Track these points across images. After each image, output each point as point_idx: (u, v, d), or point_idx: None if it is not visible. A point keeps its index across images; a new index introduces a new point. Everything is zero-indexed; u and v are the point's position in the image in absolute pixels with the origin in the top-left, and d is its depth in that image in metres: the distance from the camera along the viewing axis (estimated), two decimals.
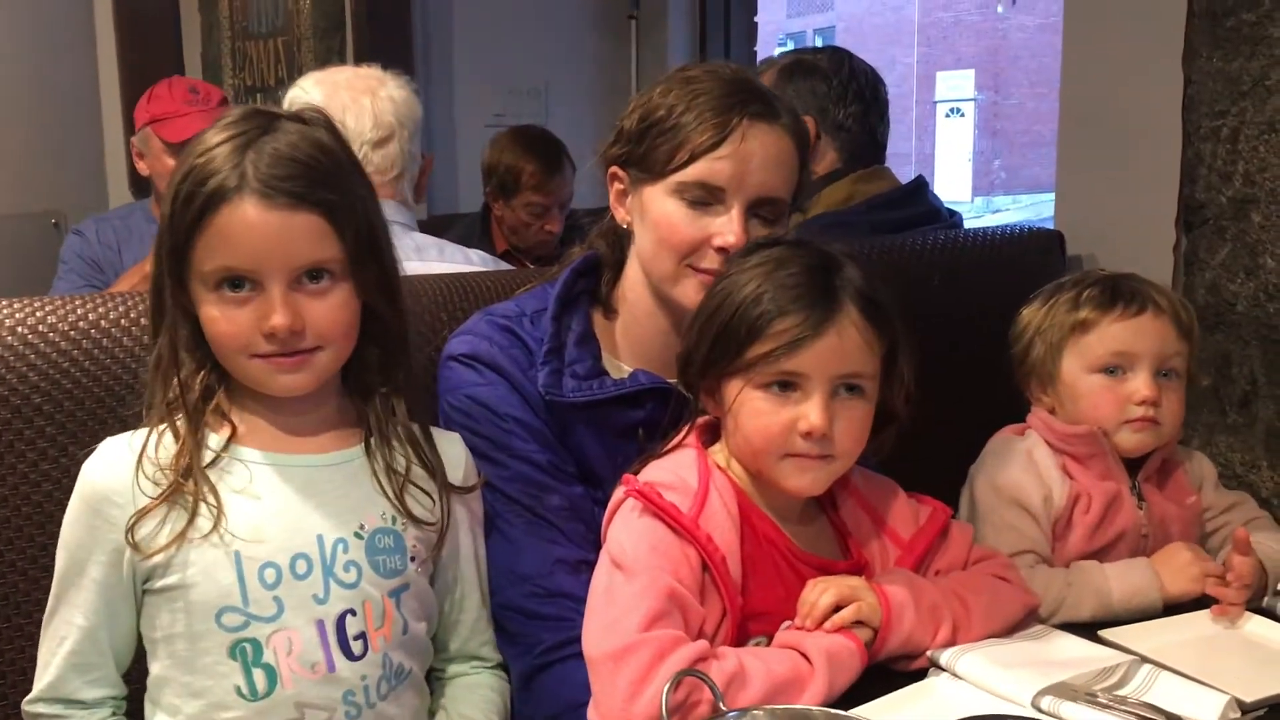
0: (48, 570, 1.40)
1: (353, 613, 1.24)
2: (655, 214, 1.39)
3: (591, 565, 1.32)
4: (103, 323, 1.44)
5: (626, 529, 1.26)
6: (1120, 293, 1.55)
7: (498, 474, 1.40)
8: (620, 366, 1.47)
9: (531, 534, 1.39)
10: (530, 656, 1.36)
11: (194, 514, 1.20)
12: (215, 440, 1.24)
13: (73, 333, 1.42)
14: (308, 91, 2.02)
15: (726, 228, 1.35)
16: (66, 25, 3.09)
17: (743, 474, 1.32)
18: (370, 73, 2.09)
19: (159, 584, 1.22)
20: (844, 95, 2.32)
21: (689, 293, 1.38)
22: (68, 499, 1.39)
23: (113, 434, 1.33)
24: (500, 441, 1.41)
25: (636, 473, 1.31)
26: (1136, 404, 1.52)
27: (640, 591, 1.19)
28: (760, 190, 1.37)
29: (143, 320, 1.45)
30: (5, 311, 1.41)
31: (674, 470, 1.30)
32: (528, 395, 1.42)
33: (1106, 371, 1.54)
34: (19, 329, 1.40)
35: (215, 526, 1.20)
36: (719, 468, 1.32)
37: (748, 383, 1.26)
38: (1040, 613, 1.41)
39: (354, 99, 2.00)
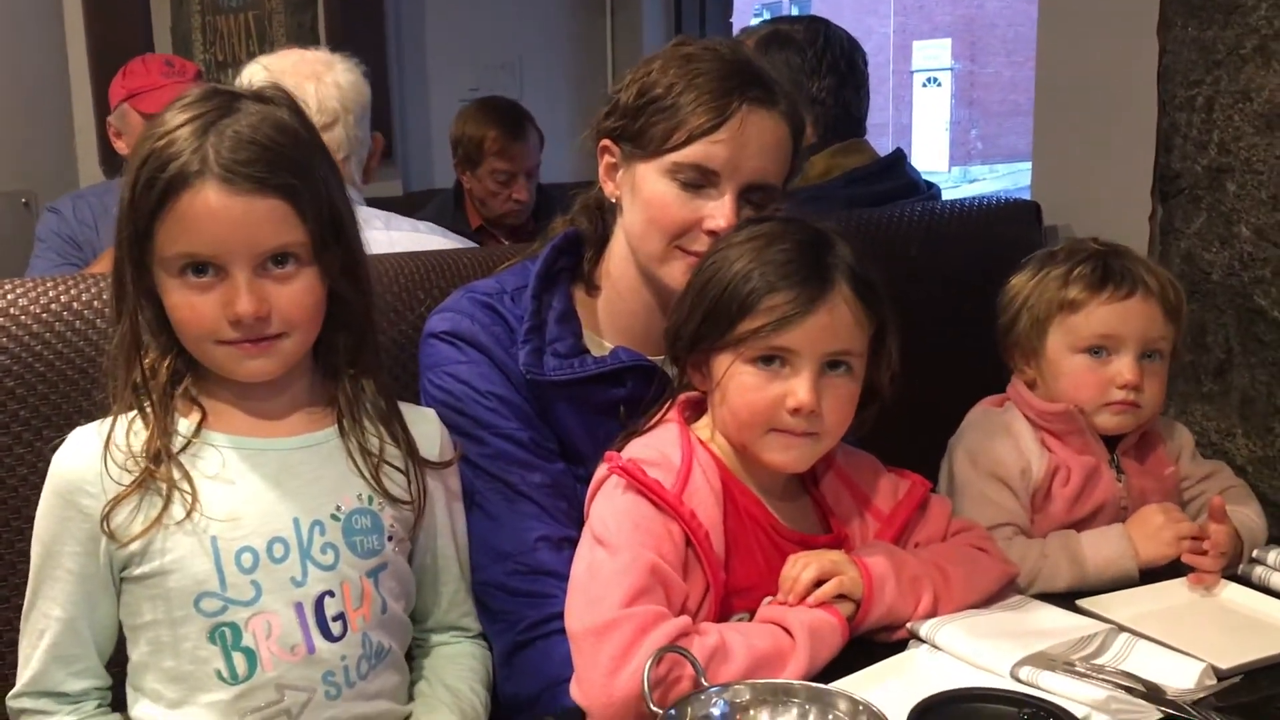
0: (24, 555, 1.38)
1: (331, 594, 1.24)
2: (647, 193, 1.38)
3: (573, 542, 1.32)
4: (75, 304, 1.42)
5: (610, 505, 1.26)
6: (1111, 273, 1.53)
7: (479, 451, 1.39)
8: (601, 343, 1.47)
9: (513, 511, 1.38)
10: (512, 633, 1.36)
11: (168, 500, 1.19)
12: (185, 425, 1.23)
13: (45, 315, 1.41)
14: (254, 77, 2.00)
15: (718, 211, 1.35)
16: (33, 3, 3.04)
17: (726, 449, 1.32)
18: (317, 56, 2.06)
19: (136, 571, 1.21)
20: (818, 68, 2.30)
21: (676, 274, 1.38)
22: (43, 482, 1.38)
23: (88, 418, 1.32)
24: (482, 419, 1.40)
25: (619, 449, 1.31)
26: (1118, 387, 1.53)
27: (623, 568, 1.19)
28: (754, 176, 1.36)
29: None
30: None
31: (657, 446, 1.30)
32: (509, 372, 1.41)
33: (1090, 352, 1.54)
34: None
35: (190, 512, 1.19)
36: (702, 443, 1.32)
37: (737, 357, 1.26)
38: (1018, 583, 1.42)
39: (297, 85, 1.94)
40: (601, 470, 1.30)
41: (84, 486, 1.20)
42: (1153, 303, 1.53)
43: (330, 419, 1.28)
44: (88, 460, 1.21)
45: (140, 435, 1.21)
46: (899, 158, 2.39)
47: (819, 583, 1.25)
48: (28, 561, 1.38)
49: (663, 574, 1.20)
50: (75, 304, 1.42)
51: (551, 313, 1.43)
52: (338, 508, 1.26)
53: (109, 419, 1.22)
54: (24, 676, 1.24)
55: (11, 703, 1.24)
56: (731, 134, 1.34)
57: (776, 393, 1.25)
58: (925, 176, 2.43)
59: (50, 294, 1.42)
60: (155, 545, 1.19)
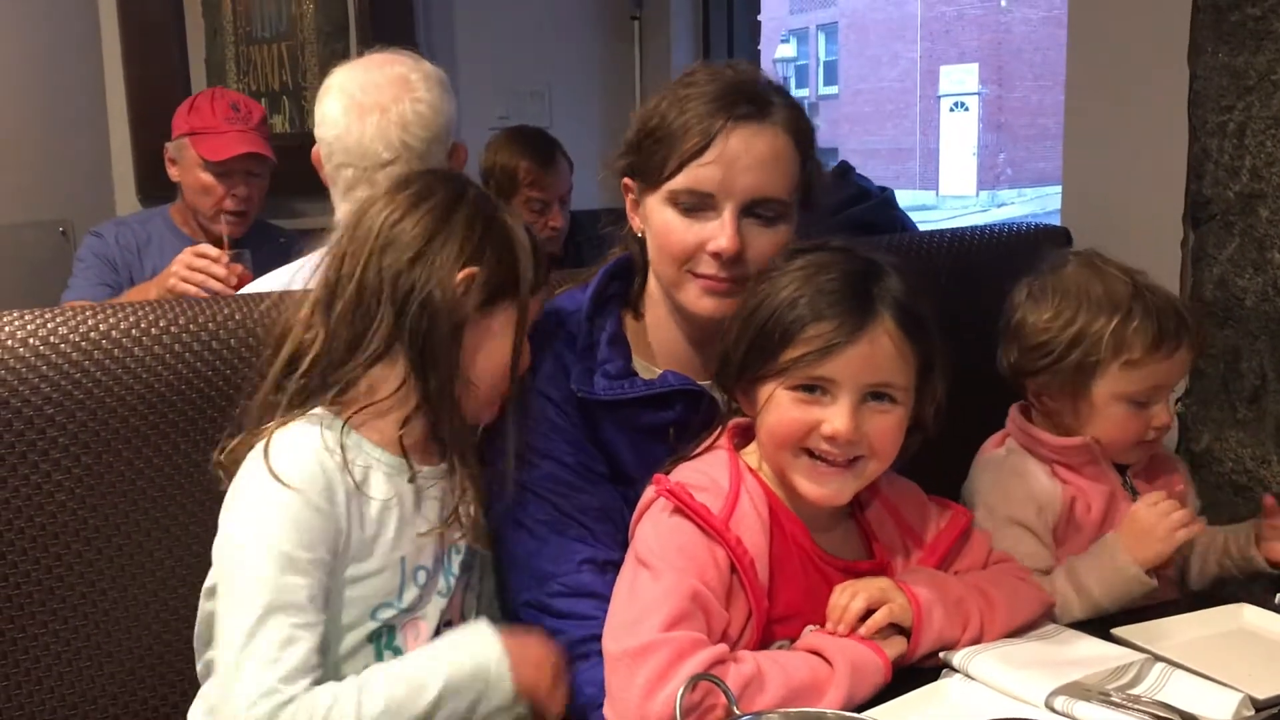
0: (63, 580, 1.41)
1: (447, 603, 1.36)
2: (655, 222, 1.40)
3: (618, 566, 1.32)
4: (114, 333, 1.44)
5: (655, 528, 1.26)
6: (1166, 333, 1.50)
7: (528, 474, 1.40)
8: (651, 368, 1.48)
9: (558, 532, 1.39)
10: None
11: (394, 513, 1.29)
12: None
13: (84, 344, 1.43)
14: (331, 91, 1.90)
15: (719, 232, 1.35)
16: (72, 33, 3.09)
17: (773, 476, 1.32)
18: (392, 79, 1.89)
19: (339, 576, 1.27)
20: None
21: (691, 298, 1.39)
22: (82, 509, 1.41)
23: (125, 444, 1.35)
24: (531, 443, 1.41)
25: (668, 473, 1.31)
26: (1154, 428, 1.53)
27: (665, 591, 1.19)
28: (752, 192, 1.36)
29: (152, 330, 1.46)
30: (17, 323, 1.42)
31: (705, 471, 1.30)
32: (557, 397, 1.43)
33: (1135, 401, 1.53)
34: (31, 340, 1.41)
35: (400, 531, 1.29)
36: (750, 470, 1.31)
37: (779, 384, 1.26)
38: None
39: (360, 118, 1.86)
40: (649, 493, 1.30)
41: (336, 489, 1.25)
42: (1192, 350, 1.54)
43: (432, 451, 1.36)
44: (329, 463, 1.25)
45: (363, 446, 1.29)
46: (845, 169, 2.50)
47: (868, 612, 1.24)
48: (66, 586, 1.41)
49: (704, 600, 1.20)
50: (114, 332, 1.44)
51: (602, 335, 1.45)
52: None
53: (320, 425, 1.27)
54: (273, 671, 1.17)
55: (264, 701, 1.16)
56: (718, 154, 1.34)
57: (813, 418, 1.24)
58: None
59: (89, 323, 1.44)
60: (368, 557, 1.28)
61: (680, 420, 1.41)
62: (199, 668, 1.36)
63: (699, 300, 1.38)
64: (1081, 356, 1.52)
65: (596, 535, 1.39)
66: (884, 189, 2.48)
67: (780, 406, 1.26)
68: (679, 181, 1.36)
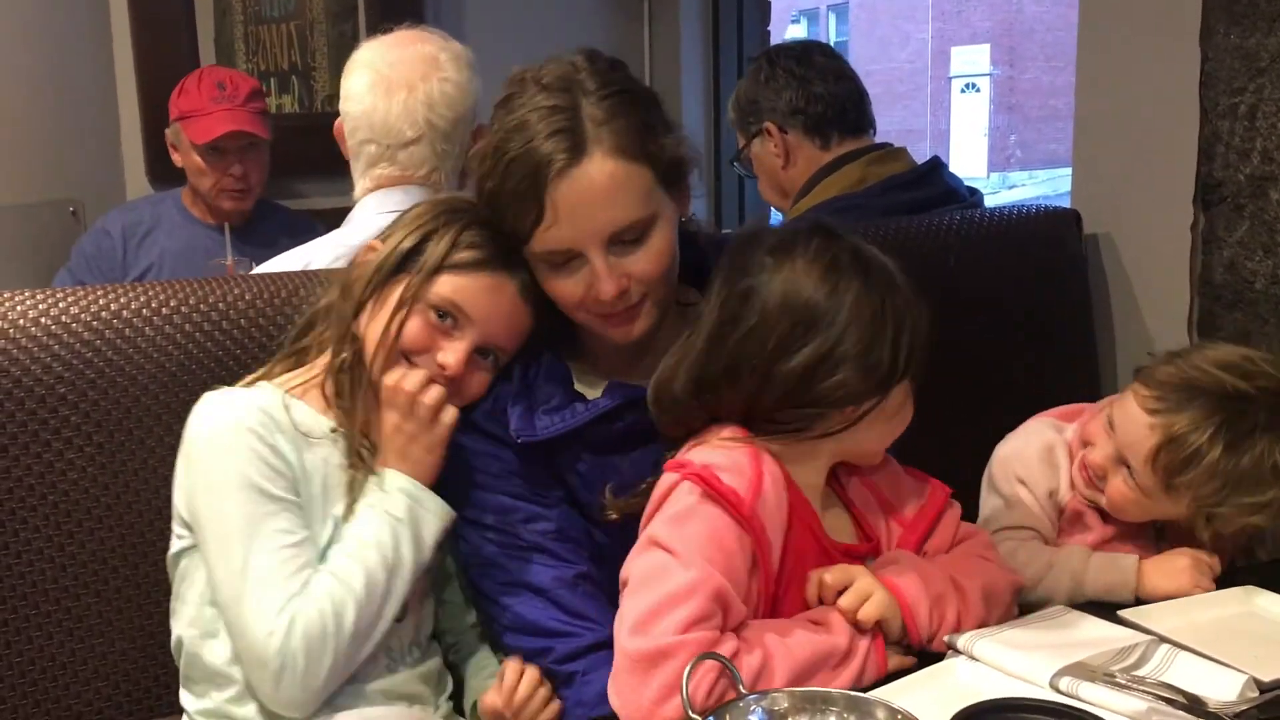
0: (75, 558, 1.42)
1: None
2: (538, 275, 1.37)
3: (590, 578, 1.33)
4: (125, 313, 1.45)
5: (681, 514, 1.21)
6: (1153, 375, 1.46)
7: (479, 514, 1.39)
8: (595, 380, 1.44)
9: (523, 559, 1.38)
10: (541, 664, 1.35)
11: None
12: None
13: (95, 323, 1.44)
14: (358, 66, 1.89)
15: (596, 279, 1.31)
16: (81, 14, 3.08)
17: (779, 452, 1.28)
18: (422, 56, 1.87)
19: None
20: (774, 86, 2.34)
21: (602, 331, 1.37)
22: (94, 488, 1.43)
23: (138, 424, 1.35)
24: (479, 482, 1.40)
25: (673, 458, 1.27)
26: (1080, 468, 1.53)
27: (690, 586, 1.16)
28: (608, 228, 1.30)
29: (164, 310, 1.47)
30: (29, 302, 1.43)
31: (726, 452, 1.25)
32: (499, 432, 1.39)
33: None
34: (42, 319, 1.42)
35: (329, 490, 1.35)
36: (767, 452, 1.26)
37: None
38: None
39: (387, 95, 1.84)
40: (668, 478, 1.25)
41: (275, 430, 1.31)
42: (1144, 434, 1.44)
43: None
44: (265, 407, 1.32)
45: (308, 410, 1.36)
46: (935, 165, 2.33)
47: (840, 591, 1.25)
48: (78, 564, 1.43)
49: (727, 599, 1.17)
50: (125, 312, 1.45)
51: (539, 368, 1.41)
52: None
53: (257, 389, 1.35)
54: (280, 591, 1.26)
55: (280, 619, 1.25)
56: (556, 214, 1.28)
57: None
58: (970, 185, 2.39)
59: (100, 302, 1.45)
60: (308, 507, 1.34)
61: (631, 429, 1.37)
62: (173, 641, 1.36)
63: (609, 332, 1.36)
64: None
65: (559, 555, 1.36)
66: (974, 191, 2.34)
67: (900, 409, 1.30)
68: (535, 247, 1.32)
